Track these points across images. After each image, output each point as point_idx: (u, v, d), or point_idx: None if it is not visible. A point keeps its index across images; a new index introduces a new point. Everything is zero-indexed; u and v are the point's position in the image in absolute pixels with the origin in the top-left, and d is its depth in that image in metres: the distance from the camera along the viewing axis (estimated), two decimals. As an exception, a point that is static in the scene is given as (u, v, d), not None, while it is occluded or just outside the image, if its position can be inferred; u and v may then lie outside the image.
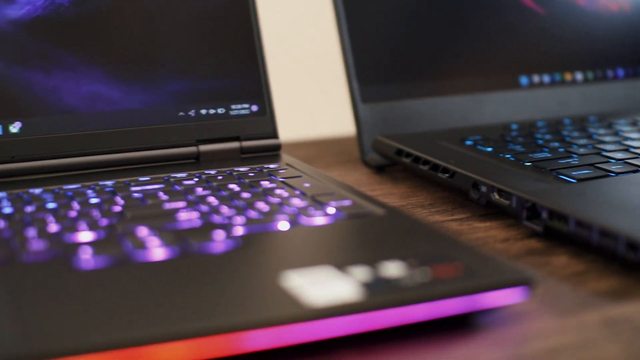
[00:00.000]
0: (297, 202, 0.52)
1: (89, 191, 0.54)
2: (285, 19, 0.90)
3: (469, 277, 0.40)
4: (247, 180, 0.56)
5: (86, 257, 0.42)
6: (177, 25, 0.62)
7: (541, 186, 0.55)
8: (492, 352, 0.38)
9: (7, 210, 0.50)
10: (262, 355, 0.37)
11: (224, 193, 0.53)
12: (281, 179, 0.56)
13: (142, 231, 0.46)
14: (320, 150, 0.76)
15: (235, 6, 0.63)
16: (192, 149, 0.62)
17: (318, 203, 0.51)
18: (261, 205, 0.51)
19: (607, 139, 0.66)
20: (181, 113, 0.61)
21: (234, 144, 0.63)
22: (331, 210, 0.50)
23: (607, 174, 0.56)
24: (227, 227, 0.47)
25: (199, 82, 0.62)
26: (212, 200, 0.52)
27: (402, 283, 0.40)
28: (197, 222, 0.48)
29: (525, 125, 0.70)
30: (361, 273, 0.40)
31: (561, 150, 0.62)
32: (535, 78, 0.75)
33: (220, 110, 0.63)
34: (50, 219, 0.49)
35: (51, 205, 0.51)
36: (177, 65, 0.62)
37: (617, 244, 0.47)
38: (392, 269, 0.41)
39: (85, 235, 0.46)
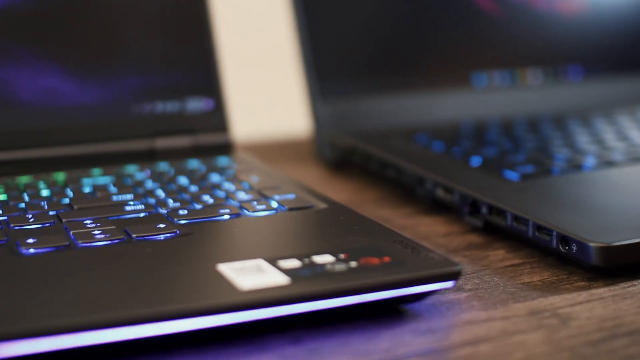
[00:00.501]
0: (242, 195, 0.53)
1: (41, 183, 0.55)
2: (241, 13, 0.91)
3: (397, 267, 0.41)
4: (198, 174, 0.57)
5: (29, 244, 0.43)
6: (132, 20, 0.63)
7: (484, 182, 0.56)
8: (416, 340, 0.39)
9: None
10: (189, 339, 0.38)
11: (173, 186, 0.54)
12: (231, 174, 0.57)
13: (87, 221, 0.47)
14: (277, 148, 0.77)
15: (190, 1, 0.64)
16: (147, 143, 0.62)
17: (263, 197, 0.52)
18: (206, 198, 0.52)
19: (557, 138, 0.67)
20: (136, 108, 0.62)
21: (189, 139, 0.63)
22: (274, 203, 0.51)
23: (550, 171, 0.58)
24: (169, 218, 0.48)
25: (154, 77, 0.63)
26: (160, 193, 0.53)
27: (328, 271, 0.41)
28: (142, 214, 0.49)
29: (479, 124, 0.71)
30: (291, 262, 0.41)
31: (509, 147, 0.63)
32: (495, 76, 0.76)
33: (175, 106, 0.63)
34: (-1, 210, 0.49)
35: (2, 197, 0.52)
36: (132, 60, 0.63)
37: (551, 238, 0.48)
38: (322, 259, 0.42)
39: (31, 225, 0.47)
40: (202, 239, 0.46)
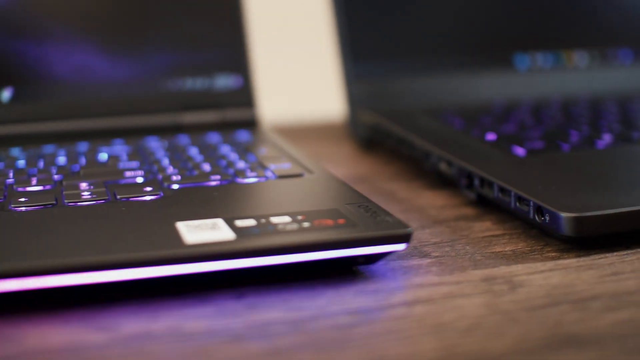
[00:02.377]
0: (241, 164, 0.54)
1: (61, 151, 0.58)
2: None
3: (348, 228, 0.42)
4: (209, 146, 0.59)
5: (20, 202, 0.47)
6: None
7: (487, 157, 0.56)
8: (355, 299, 0.40)
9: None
10: (137, 288, 0.40)
11: (180, 156, 0.57)
12: (242, 146, 0.59)
13: (83, 184, 0.50)
14: (312, 129, 0.79)
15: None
16: (173, 117, 0.65)
17: (260, 166, 0.54)
18: (206, 167, 0.54)
19: (585, 117, 0.65)
20: (165, 84, 0.65)
21: (215, 114, 0.66)
22: (268, 172, 0.52)
23: (559, 147, 0.57)
24: (161, 183, 0.51)
25: (183, 53, 0.66)
26: (165, 162, 0.55)
27: (279, 230, 0.42)
28: (141, 179, 0.52)
29: (512, 104, 0.70)
30: (246, 222, 0.43)
31: (530, 125, 0.63)
32: (538, 57, 0.75)
33: (204, 82, 0.66)
34: (11, 173, 0.53)
35: (20, 162, 0.56)
36: (162, 37, 0.65)
37: (529, 209, 0.47)
38: (279, 219, 0.43)
39: (32, 187, 0.50)
40: (180, 202, 0.48)
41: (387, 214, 0.44)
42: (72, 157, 0.57)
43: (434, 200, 0.56)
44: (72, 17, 0.64)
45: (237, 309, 0.39)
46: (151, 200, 0.48)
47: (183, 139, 0.62)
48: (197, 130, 0.64)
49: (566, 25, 0.76)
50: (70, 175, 0.53)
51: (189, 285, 0.41)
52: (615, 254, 0.45)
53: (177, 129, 0.65)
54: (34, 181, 0.51)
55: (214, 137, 0.62)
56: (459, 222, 0.51)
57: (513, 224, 0.50)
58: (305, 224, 0.43)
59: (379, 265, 0.44)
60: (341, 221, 0.43)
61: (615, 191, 0.48)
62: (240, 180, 0.51)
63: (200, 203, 0.48)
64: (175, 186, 0.50)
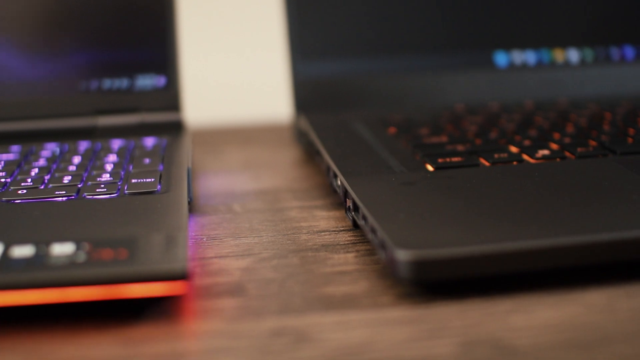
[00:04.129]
0: (105, 177, 0.49)
1: None
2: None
3: (119, 265, 0.36)
4: (98, 154, 0.54)
5: None
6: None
7: (379, 174, 0.48)
8: (107, 347, 0.34)
9: None
10: None
11: (56, 165, 0.52)
12: (129, 155, 0.54)
13: None
14: (263, 133, 0.73)
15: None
16: (88, 120, 0.61)
17: (121, 180, 0.49)
18: (65, 179, 0.49)
19: (548, 126, 0.57)
20: (82, 84, 0.61)
21: (133, 117, 0.61)
22: (120, 188, 0.47)
23: (479, 163, 0.49)
24: (4, 194, 0.46)
25: (104, 52, 0.61)
26: (34, 172, 0.51)
27: (45, 263, 0.37)
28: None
29: (476, 108, 0.62)
30: (23, 250, 0.38)
31: (471, 134, 0.55)
32: (517, 55, 0.66)
33: (123, 82, 0.61)
34: None
35: None
36: (81, 35, 0.61)
37: (377, 241, 0.40)
38: (60, 248, 0.38)
39: None
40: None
41: (182, 246, 0.38)
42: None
43: (318, 223, 0.49)
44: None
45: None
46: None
47: (81, 145, 0.57)
48: (116, 133, 0.60)
49: (551, 21, 0.67)
50: None
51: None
52: (461, 303, 0.37)
53: (92, 132, 0.60)
54: None
55: (114, 144, 0.57)
56: (320, 253, 0.44)
57: (377, 258, 0.43)
58: (81, 256, 0.37)
59: (186, 302, 0.38)
60: (123, 255, 0.37)
61: (492, 224, 0.40)
62: (88, 196, 0.46)
63: (11, 223, 0.43)
64: (17, 200, 0.46)
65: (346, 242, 0.45)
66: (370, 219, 0.41)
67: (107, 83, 0.61)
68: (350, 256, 0.43)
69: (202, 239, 0.47)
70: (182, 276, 0.36)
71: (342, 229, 0.47)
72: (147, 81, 0.61)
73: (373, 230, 0.41)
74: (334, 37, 0.65)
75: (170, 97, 0.61)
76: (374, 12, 0.66)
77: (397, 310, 0.37)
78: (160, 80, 0.61)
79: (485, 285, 0.38)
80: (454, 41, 0.66)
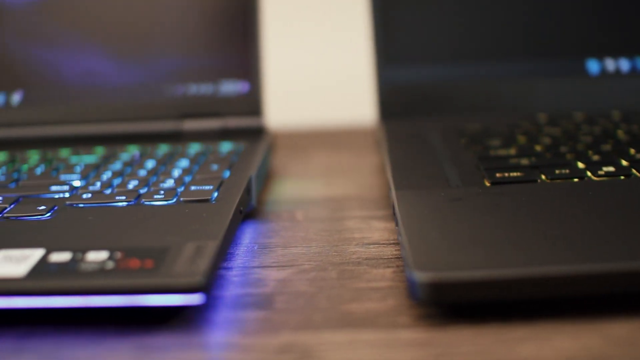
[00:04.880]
0: (169, 183, 0.51)
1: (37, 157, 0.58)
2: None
3: (143, 275, 0.38)
4: (166, 159, 0.56)
5: None
6: (171, 1, 0.63)
7: (430, 187, 0.48)
8: (124, 353, 0.36)
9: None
10: None
11: (130, 169, 0.55)
12: (201, 160, 0.56)
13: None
14: (347, 136, 0.73)
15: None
16: (174, 124, 0.63)
17: (184, 186, 0.50)
18: (132, 183, 0.51)
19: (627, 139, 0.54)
20: (168, 89, 0.63)
21: (217, 122, 0.62)
22: (177, 195, 0.49)
23: (535, 180, 0.47)
24: (66, 202, 0.49)
25: (190, 58, 0.63)
26: (108, 174, 0.53)
27: (77, 269, 0.38)
28: (65, 194, 0.50)
29: (560, 117, 0.60)
30: (62, 256, 0.40)
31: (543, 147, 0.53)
32: (609, 63, 0.63)
33: (209, 88, 0.63)
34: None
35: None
36: (169, 42, 0.63)
37: (404, 259, 0.40)
38: (94, 256, 0.40)
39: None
40: (51, 224, 0.46)
41: (207, 258, 0.39)
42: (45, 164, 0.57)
43: (371, 235, 0.49)
44: (81, 22, 0.64)
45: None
46: (35, 220, 0.46)
47: (160, 149, 0.59)
48: (199, 137, 0.62)
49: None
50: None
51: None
52: (476, 327, 0.36)
53: (178, 135, 0.62)
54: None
55: (192, 149, 0.59)
56: (360, 267, 0.44)
57: (412, 275, 0.42)
58: (110, 265, 0.39)
59: (209, 312, 0.39)
60: (149, 264, 0.39)
61: (521, 246, 0.38)
62: (145, 202, 0.48)
63: (62, 227, 0.45)
64: (80, 204, 0.48)
65: (389, 257, 0.45)
66: (402, 235, 0.41)
67: (192, 88, 0.63)
68: (388, 272, 0.43)
69: (253, 247, 0.48)
70: (198, 289, 0.37)
71: (392, 242, 0.47)
72: (230, 87, 0.62)
73: (403, 247, 0.40)
74: (420, 42, 0.64)
75: (252, 103, 0.62)
76: (462, 17, 0.64)
77: (411, 332, 0.37)
78: (243, 86, 0.62)
79: (503, 309, 0.37)
80: (545, 47, 0.64)
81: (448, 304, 0.38)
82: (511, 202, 0.44)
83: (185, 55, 0.63)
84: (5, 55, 0.64)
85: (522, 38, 0.65)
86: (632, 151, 0.51)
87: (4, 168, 0.57)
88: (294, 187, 0.59)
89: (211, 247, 0.40)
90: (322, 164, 0.65)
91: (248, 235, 0.50)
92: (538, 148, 0.53)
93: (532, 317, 0.37)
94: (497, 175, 0.48)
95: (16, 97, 0.64)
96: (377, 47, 0.64)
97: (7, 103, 0.64)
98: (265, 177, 0.59)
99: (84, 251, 0.40)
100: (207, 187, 0.50)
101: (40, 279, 0.38)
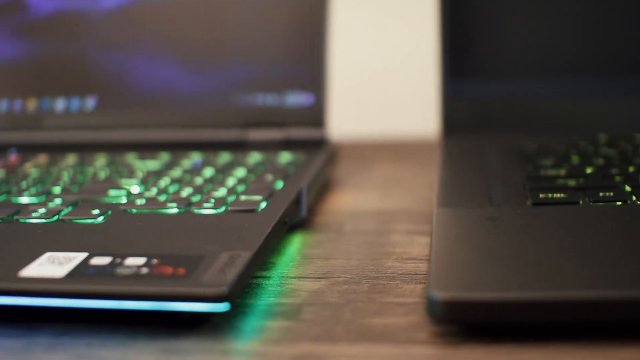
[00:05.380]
0: (221, 192, 0.53)
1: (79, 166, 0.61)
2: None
3: (173, 282, 0.40)
4: (233, 167, 0.58)
5: None
6: (241, 11, 0.65)
7: (474, 206, 0.48)
8: (148, 356, 0.38)
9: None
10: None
11: (188, 177, 0.57)
12: (258, 170, 0.57)
13: (52, 201, 0.53)
14: (411, 148, 0.73)
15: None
16: (238, 133, 0.65)
17: (233, 195, 0.52)
18: (187, 190, 0.53)
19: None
20: (234, 99, 0.65)
21: (280, 132, 0.64)
22: (226, 204, 0.50)
23: (576, 202, 0.47)
24: (122, 208, 0.51)
25: (258, 69, 0.65)
26: (166, 181, 0.56)
27: (114, 273, 0.41)
28: (122, 199, 0.53)
29: (614, 140, 0.59)
30: (101, 260, 0.42)
31: (584, 171, 0.53)
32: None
33: (274, 98, 0.64)
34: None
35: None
36: (240, 52, 0.65)
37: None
38: (132, 261, 0.42)
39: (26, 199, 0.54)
40: (101, 228, 0.48)
41: (237, 268, 0.40)
42: (102, 167, 0.59)
43: (411, 250, 0.49)
44: (155, 31, 0.66)
45: (33, 346, 0.39)
46: (88, 224, 0.48)
47: (221, 157, 0.61)
48: (263, 147, 0.63)
49: None
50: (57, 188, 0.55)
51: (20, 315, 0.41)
52: (490, 347, 0.37)
53: (242, 144, 0.64)
54: (32, 191, 0.55)
55: (252, 158, 0.61)
56: (392, 282, 0.45)
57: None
58: (144, 270, 0.41)
59: (238, 319, 0.41)
60: (181, 271, 0.41)
61: (542, 269, 0.39)
62: (195, 210, 0.50)
63: (111, 232, 0.47)
64: (134, 210, 0.50)
65: (424, 273, 0.46)
66: (431, 252, 0.41)
67: (259, 98, 0.64)
68: (419, 287, 0.44)
69: (297, 257, 0.49)
70: (223, 298, 0.38)
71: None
72: (295, 98, 0.64)
73: (430, 264, 0.41)
74: (487, 58, 0.65)
75: (315, 114, 0.64)
76: (530, 34, 0.64)
77: (425, 348, 0.37)
78: (308, 98, 0.64)
79: (519, 330, 0.37)
80: (615, 66, 0.63)
81: (463, 323, 0.38)
82: (545, 224, 0.44)
83: (254, 65, 0.65)
84: (82, 61, 0.67)
85: (592, 56, 0.64)
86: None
87: (71, 171, 0.59)
88: (348, 199, 0.60)
89: (244, 257, 0.42)
90: (382, 176, 0.66)
91: (294, 245, 0.51)
92: (589, 169, 0.53)
93: (545, 340, 0.37)
94: (541, 195, 0.48)
95: (91, 102, 0.67)
96: (443, 61, 0.65)
97: (82, 107, 0.67)
98: (322, 188, 0.60)
99: (124, 256, 0.42)
100: (256, 197, 0.51)
101: (76, 281, 0.40)
